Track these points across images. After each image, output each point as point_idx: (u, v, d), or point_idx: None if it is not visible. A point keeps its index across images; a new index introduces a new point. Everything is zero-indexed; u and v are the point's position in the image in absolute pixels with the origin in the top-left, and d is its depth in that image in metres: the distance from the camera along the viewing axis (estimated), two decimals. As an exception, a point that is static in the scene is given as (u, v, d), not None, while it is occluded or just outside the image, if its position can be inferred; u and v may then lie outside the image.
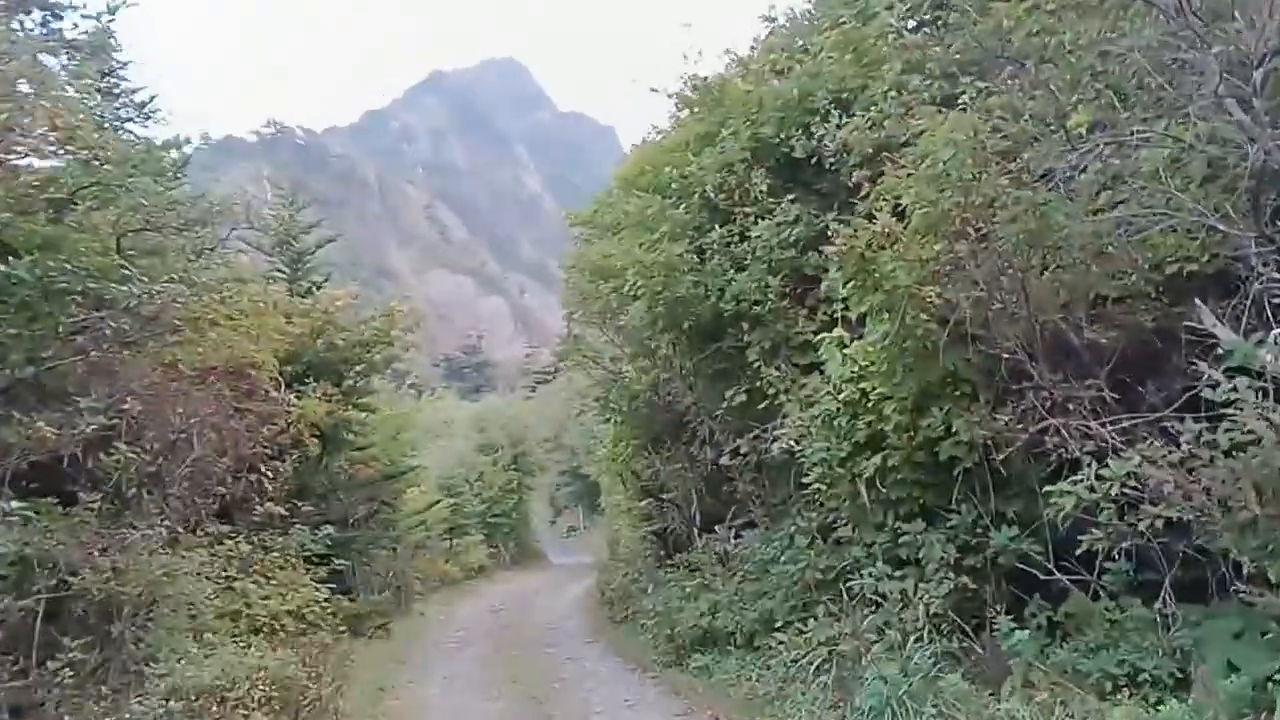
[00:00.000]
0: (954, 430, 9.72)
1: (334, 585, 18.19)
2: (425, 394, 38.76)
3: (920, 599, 10.00)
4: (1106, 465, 7.83)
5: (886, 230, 8.52)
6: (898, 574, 10.53)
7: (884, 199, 9.04)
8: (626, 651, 17.19)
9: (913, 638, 9.67)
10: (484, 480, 41.57)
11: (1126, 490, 7.64)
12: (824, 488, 11.36)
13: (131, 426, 10.48)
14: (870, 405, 10.54)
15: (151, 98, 17.88)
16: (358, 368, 20.47)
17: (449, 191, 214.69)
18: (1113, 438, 8.26)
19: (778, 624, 12.63)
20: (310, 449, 16.75)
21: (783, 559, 13.30)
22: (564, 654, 17.66)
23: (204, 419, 11.63)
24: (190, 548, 13.47)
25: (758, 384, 13.91)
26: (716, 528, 16.67)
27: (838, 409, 10.85)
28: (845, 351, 10.30)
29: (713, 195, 14.52)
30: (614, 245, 15.46)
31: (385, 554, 25.18)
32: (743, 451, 14.65)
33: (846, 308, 10.15)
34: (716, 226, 14.37)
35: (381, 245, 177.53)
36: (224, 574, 14.09)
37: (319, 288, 21.16)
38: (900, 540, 10.50)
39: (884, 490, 10.56)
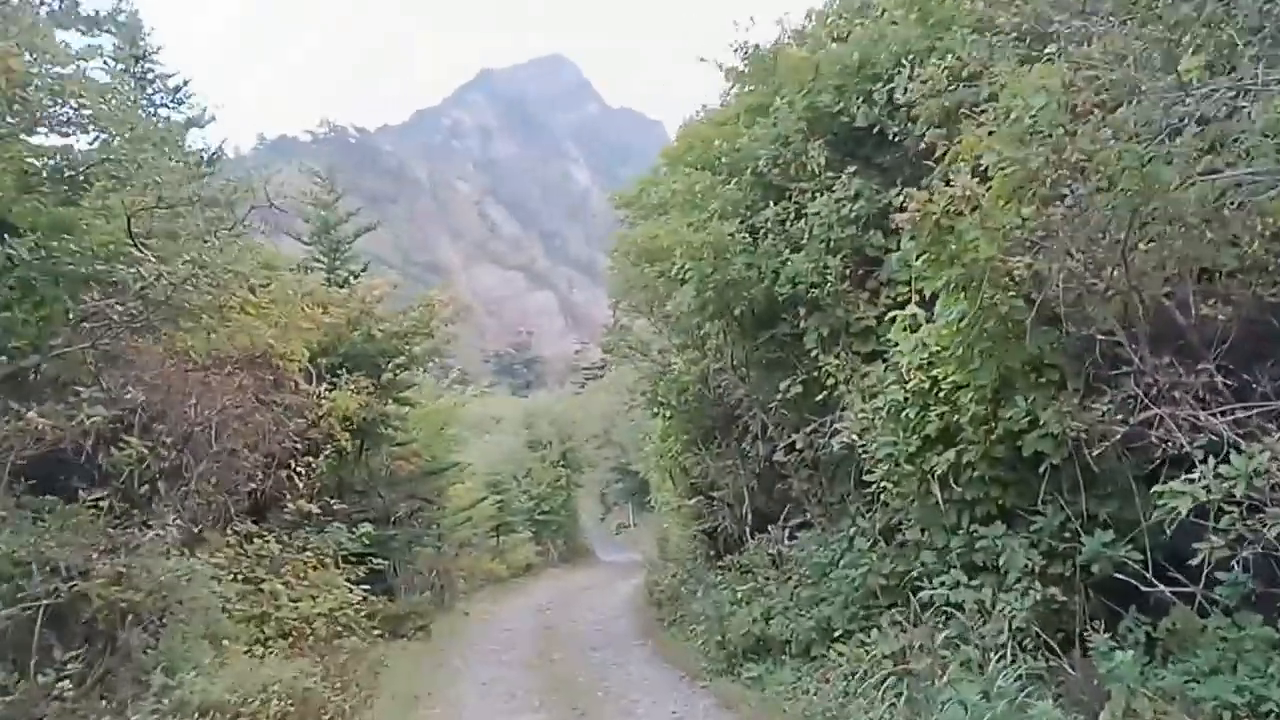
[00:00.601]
0: (1040, 422, 8.66)
1: (371, 585, 17.64)
2: (469, 388, 38.17)
3: (1001, 611, 8.97)
4: (1227, 461, 6.76)
5: (966, 193, 7.45)
6: (973, 582, 9.52)
7: (962, 160, 7.97)
8: (675, 657, 16.39)
9: (995, 655, 8.62)
10: (532, 477, 41.01)
11: (1250, 491, 6.59)
12: (890, 486, 10.32)
13: (143, 419, 9.77)
14: (942, 395, 9.50)
15: (185, 82, 17.47)
16: (397, 360, 19.81)
17: (498, 188, 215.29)
18: (1229, 429, 7.20)
19: (837, 633, 11.81)
20: (343, 443, 16.04)
21: (842, 563, 12.38)
22: (610, 658, 16.87)
23: (223, 411, 10.89)
24: (218, 547, 12.91)
25: (815, 374, 12.91)
26: (770, 527, 15.77)
27: (906, 399, 9.82)
28: (918, 335, 9.23)
29: (766, 170, 13.45)
30: (660, 226, 14.44)
31: (428, 552, 24.62)
32: (798, 447, 13.71)
33: (920, 285, 9.06)
34: (770, 203, 13.30)
35: (432, 241, 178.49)
36: (252, 575, 13.49)
37: (356, 277, 20.50)
38: (977, 545, 9.50)
39: (958, 489, 9.54)
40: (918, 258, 8.23)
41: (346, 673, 12.39)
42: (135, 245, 9.15)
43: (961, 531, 9.71)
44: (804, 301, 13.05)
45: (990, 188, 7.87)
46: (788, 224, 13.15)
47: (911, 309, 9.24)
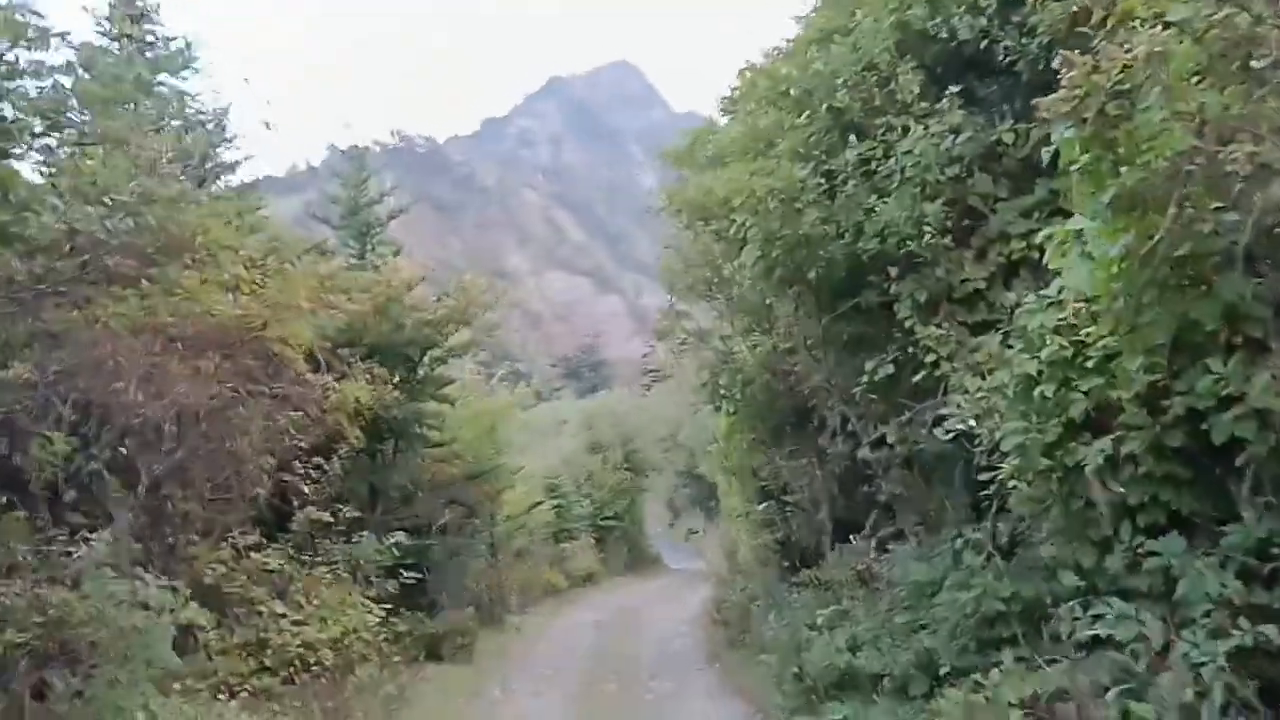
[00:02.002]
0: (1240, 398, 6.25)
1: (408, 601, 16.05)
2: (520, 384, 36.36)
3: (1184, 654, 6.56)
4: None
5: (1156, 50, 5.05)
6: (1139, 615, 7.10)
7: (1134, 23, 5.60)
8: (744, 687, 14.35)
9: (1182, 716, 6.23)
10: (593, 481, 39.01)
11: None
12: (1023, 486, 7.89)
13: (58, 407, 7.86)
14: (1092, 365, 7.11)
15: (188, 44, 15.81)
16: (431, 352, 17.87)
17: (566, 194, 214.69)
18: None
19: (943, 669, 9.53)
20: (355, 441, 14.11)
21: (947, 582, 10.03)
22: (669, 689, 14.85)
23: (180, 400, 8.91)
24: (208, 564, 11.09)
25: (910, 350, 10.52)
26: (853, 538, 13.56)
27: (1040, 372, 7.43)
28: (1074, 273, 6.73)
29: (844, 103, 11.04)
30: (716, 177, 12.06)
31: (478, 563, 22.77)
32: (889, 441, 11.37)
33: (1078, 196, 6.51)
34: (853, 137, 10.83)
35: (501, 248, 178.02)
36: (247, 595, 11.63)
37: (385, 259, 18.61)
38: (1141, 564, 7.08)
39: (1116, 489, 7.12)
40: (1081, 154, 5.77)
41: (349, 712, 10.39)
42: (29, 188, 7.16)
43: (1120, 546, 7.32)
44: (895, 261, 10.58)
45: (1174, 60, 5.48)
46: (873, 164, 10.71)
47: (1077, 220, 6.66)
